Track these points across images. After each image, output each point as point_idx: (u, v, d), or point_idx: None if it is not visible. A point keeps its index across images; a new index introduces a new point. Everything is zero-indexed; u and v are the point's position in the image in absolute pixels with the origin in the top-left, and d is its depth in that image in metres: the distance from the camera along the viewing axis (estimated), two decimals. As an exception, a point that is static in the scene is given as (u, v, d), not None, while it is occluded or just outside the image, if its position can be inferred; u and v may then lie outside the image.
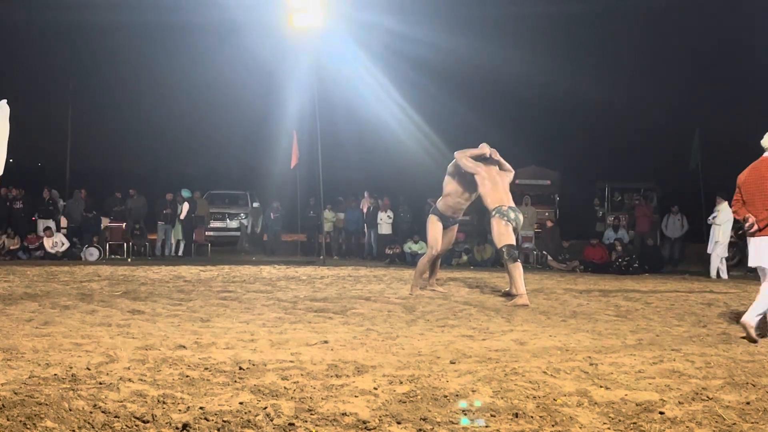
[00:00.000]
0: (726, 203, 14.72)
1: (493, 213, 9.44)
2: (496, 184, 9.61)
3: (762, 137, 6.50)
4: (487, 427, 3.64)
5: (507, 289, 9.69)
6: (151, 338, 5.93)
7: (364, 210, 19.71)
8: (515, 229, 9.49)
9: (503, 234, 9.35)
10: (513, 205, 9.62)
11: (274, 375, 4.59)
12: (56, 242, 16.94)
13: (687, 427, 3.69)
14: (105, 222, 18.69)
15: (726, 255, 14.68)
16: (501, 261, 10.12)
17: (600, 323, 7.36)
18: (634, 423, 3.74)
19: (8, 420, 3.56)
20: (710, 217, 14.98)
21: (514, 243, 9.43)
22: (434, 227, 10.10)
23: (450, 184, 9.97)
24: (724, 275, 14.38)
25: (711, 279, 14.19)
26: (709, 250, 14.86)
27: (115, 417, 3.67)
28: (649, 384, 4.47)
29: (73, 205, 18.90)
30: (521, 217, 9.66)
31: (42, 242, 16.99)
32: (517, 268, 9.22)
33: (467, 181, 9.81)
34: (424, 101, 27.78)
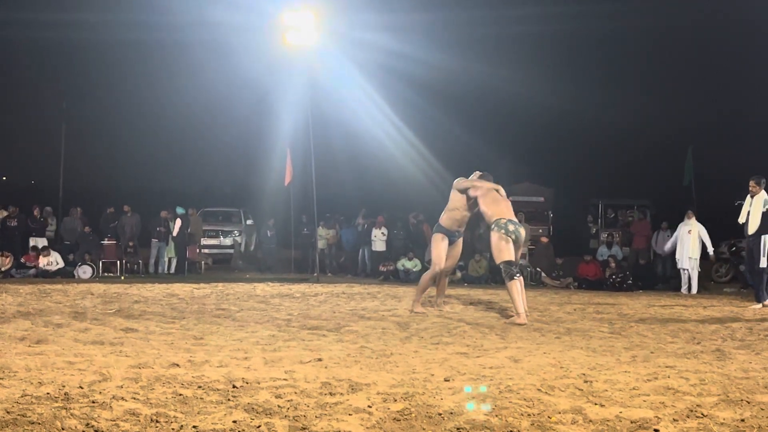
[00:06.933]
0: (694, 218, 15.03)
1: (492, 226, 9.31)
2: (495, 199, 9.56)
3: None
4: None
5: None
6: (144, 356, 5.90)
7: (364, 225, 19.72)
8: (516, 243, 9.28)
9: (502, 250, 9.18)
10: (514, 218, 9.48)
11: (268, 393, 4.58)
12: (51, 261, 16.86)
13: (682, 444, 3.69)
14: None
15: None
16: (501, 276, 9.96)
17: (594, 340, 7.35)
18: (629, 440, 3.73)
19: (0, 439, 3.55)
20: (687, 230, 15.10)
21: (512, 259, 9.20)
22: (439, 245, 9.99)
23: (457, 199, 9.89)
24: (695, 289, 14.88)
25: (682, 294, 14.63)
26: (680, 265, 15.24)
27: (108, 436, 3.66)
28: (644, 401, 4.46)
29: (70, 222, 18.88)
30: (522, 230, 9.42)
31: (37, 261, 16.91)
32: (515, 286, 9.00)
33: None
34: (419, 119, 27.89)
